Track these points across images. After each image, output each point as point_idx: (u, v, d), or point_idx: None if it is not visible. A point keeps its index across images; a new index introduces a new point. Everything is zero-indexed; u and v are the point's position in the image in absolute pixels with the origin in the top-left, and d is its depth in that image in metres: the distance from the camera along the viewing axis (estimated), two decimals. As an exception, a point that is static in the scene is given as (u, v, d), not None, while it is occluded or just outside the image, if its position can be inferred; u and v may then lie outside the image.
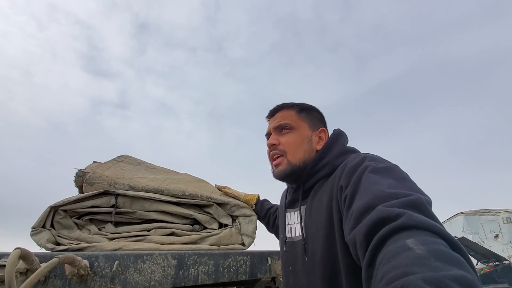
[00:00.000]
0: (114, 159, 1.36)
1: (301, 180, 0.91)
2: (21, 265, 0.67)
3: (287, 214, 0.98)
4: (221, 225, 1.16)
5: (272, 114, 1.00)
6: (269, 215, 1.29)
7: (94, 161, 1.27)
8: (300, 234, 0.86)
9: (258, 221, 1.25)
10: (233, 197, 1.29)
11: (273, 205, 1.33)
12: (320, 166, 0.87)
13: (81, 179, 1.15)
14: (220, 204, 1.17)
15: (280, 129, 0.94)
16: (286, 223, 0.97)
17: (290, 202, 0.98)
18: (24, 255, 0.63)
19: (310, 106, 0.99)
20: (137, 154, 1.47)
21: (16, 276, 0.65)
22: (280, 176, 0.93)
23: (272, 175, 0.97)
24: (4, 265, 0.57)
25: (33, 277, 0.61)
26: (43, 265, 0.65)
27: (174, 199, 1.11)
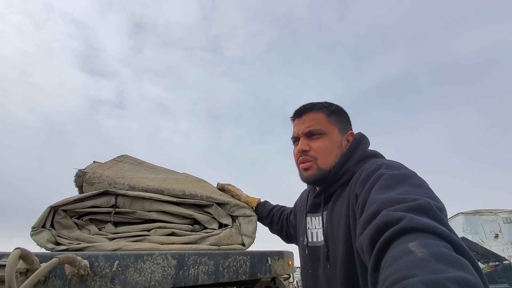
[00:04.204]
0: (114, 159, 1.35)
1: (323, 185, 0.91)
2: (21, 265, 0.67)
3: (308, 218, 0.98)
4: (221, 225, 1.16)
5: (299, 115, 0.96)
6: (272, 215, 1.29)
7: (94, 161, 1.27)
8: (322, 240, 0.87)
9: (258, 221, 1.25)
10: (233, 196, 1.29)
11: (275, 206, 1.33)
12: (341, 173, 0.86)
13: (81, 179, 1.15)
14: (220, 204, 1.17)
15: (310, 134, 0.92)
16: (307, 227, 0.97)
17: (312, 206, 0.97)
18: (24, 255, 0.63)
19: (338, 107, 0.97)
20: (135, 154, 1.48)
21: (16, 276, 0.65)
22: (310, 181, 0.92)
23: (300, 178, 0.95)
24: (4, 265, 0.57)
25: (33, 277, 0.61)
26: (43, 265, 0.65)
27: (174, 199, 1.11)
